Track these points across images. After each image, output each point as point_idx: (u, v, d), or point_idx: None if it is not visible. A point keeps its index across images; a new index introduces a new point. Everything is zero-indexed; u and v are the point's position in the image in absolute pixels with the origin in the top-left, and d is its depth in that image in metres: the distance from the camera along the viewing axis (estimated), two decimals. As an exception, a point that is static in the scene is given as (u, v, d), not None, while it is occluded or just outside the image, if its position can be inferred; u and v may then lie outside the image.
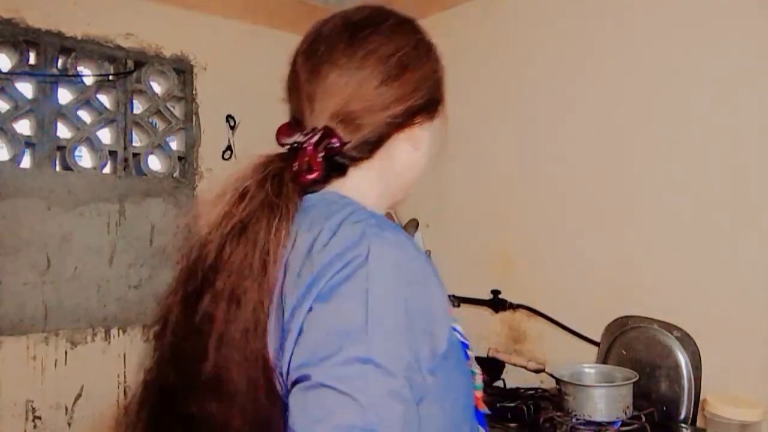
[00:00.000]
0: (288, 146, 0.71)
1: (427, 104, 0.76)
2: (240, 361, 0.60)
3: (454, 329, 0.70)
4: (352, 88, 0.71)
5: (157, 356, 0.68)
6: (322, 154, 0.69)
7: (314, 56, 0.76)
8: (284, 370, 0.60)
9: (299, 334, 0.59)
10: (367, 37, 0.74)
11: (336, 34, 0.76)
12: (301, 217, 0.67)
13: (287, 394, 0.59)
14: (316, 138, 0.69)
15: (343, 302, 0.59)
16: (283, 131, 0.72)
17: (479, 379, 0.76)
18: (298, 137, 0.70)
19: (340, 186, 0.73)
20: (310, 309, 0.59)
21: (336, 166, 0.72)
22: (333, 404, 0.54)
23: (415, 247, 0.67)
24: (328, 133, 0.70)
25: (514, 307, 2.03)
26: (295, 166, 0.68)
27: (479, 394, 0.75)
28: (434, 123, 0.79)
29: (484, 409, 0.75)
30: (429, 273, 0.66)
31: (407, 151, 0.77)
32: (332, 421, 0.53)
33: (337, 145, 0.70)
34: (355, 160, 0.73)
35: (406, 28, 0.81)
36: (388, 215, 2.39)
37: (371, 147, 0.73)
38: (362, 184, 0.74)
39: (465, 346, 0.72)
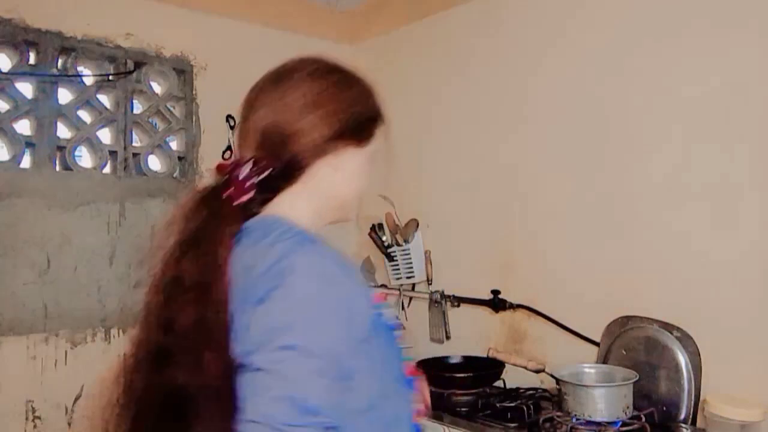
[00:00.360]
0: (224, 177, 0.84)
1: (349, 133, 0.87)
2: (204, 345, 0.76)
3: (381, 314, 0.84)
4: (274, 121, 0.85)
5: (138, 338, 0.82)
6: (252, 180, 0.82)
7: (248, 102, 0.90)
8: (235, 356, 0.75)
9: (244, 330, 0.74)
10: (290, 77, 0.90)
11: (267, 80, 0.92)
12: (244, 237, 0.82)
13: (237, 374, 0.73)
14: (244, 167, 0.83)
15: (275, 304, 0.73)
16: (219, 166, 0.86)
17: (409, 352, 0.91)
18: (231, 168, 0.84)
19: (276, 208, 0.86)
20: (251, 311, 0.74)
21: (268, 190, 0.85)
22: (269, 382, 0.70)
23: (334, 256, 0.80)
24: (255, 161, 0.83)
25: (514, 307, 2.04)
26: (230, 191, 0.82)
27: (409, 364, 0.89)
28: (366, 148, 0.91)
29: (414, 376, 0.90)
30: (346, 274, 0.79)
31: (329, 175, 0.88)
32: (269, 394, 0.69)
33: (264, 171, 0.83)
34: (284, 184, 0.86)
35: (329, 70, 0.93)
36: (388, 215, 2.40)
37: (295, 172, 0.85)
38: (294, 206, 0.86)
39: (392, 327, 0.86)
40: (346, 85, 0.92)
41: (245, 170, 0.83)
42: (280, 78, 0.91)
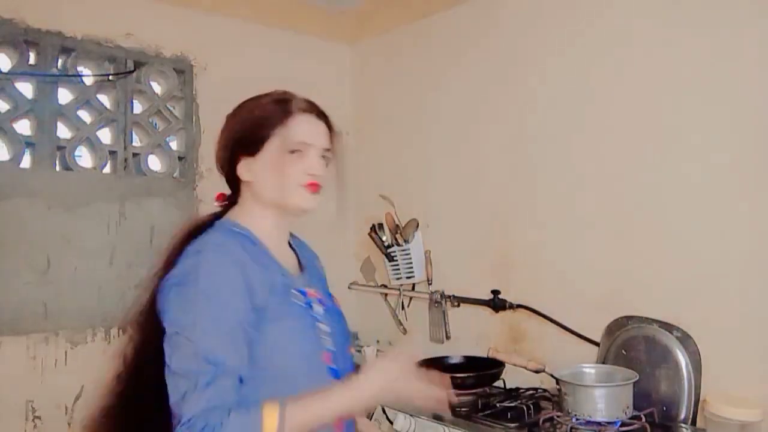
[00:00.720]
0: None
1: (237, 149, 1.12)
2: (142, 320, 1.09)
3: (309, 305, 1.09)
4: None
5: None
6: (222, 199, 1.20)
7: None
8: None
9: (164, 312, 1.01)
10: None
11: None
12: None
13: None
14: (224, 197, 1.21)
15: (185, 284, 0.99)
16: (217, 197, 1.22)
17: (328, 341, 1.09)
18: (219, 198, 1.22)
19: (229, 214, 1.16)
20: (167, 288, 1.02)
21: (233, 201, 1.17)
22: (172, 350, 0.97)
23: (239, 248, 1.04)
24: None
25: (514, 307, 2.03)
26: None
27: (327, 353, 1.08)
28: (259, 155, 1.10)
29: (330, 365, 1.08)
30: (249, 262, 1.02)
31: (247, 182, 1.13)
32: (180, 351, 0.96)
33: (226, 197, 1.19)
34: (236, 196, 1.16)
35: (243, 103, 1.19)
36: (388, 215, 2.40)
37: (233, 185, 1.16)
38: (238, 209, 1.15)
39: (315, 318, 1.09)
40: (238, 110, 1.17)
41: (224, 196, 1.19)
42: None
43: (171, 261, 1.05)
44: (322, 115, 1.19)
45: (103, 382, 1.11)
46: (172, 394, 0.95)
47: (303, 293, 1.10)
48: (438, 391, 1.06)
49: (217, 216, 1.15)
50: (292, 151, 1.10)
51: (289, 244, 1.24)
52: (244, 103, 1.17)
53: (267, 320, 1.01)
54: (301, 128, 1.12)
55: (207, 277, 0.98)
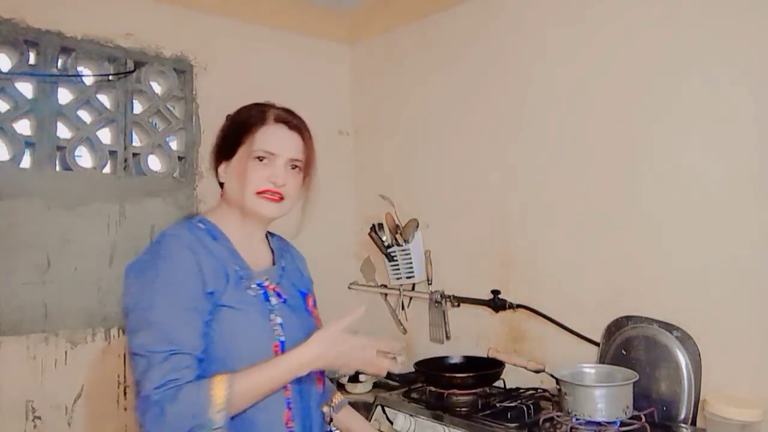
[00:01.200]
0: None
1: (218, 155, 1.24)
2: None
3: (266, 297, 1.18)
4: None
5: None
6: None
7: None
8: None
9: (124, 296, 1.10)
10: None
11: None
12: None
13: None
14: None
15: (145, 270, 1.09)
16: None
17: (279, 332, 1.16)
18: None
19: (208, 212, 1.26)
20: (129, 274, 1.11)
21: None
22: (131, 331, 1.06)
23: (192, 236, 1.13)
24: None
25: (514, 307, 2.03)
26: None
27: (277, 343, 1.15)
28: (233, 159, 1.21)
29: (278, 354, 1.13)
30: (201, 250, 1.12)
31: (221, 179, 1.24)
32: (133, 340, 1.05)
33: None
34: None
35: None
36: (388, 215, 2.40)
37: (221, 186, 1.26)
38: (218, 210, 1.25)
39: (269, 310, 1.17)
40: (223, 126, 1.26)
41: None
42: None
43: None
44: (296, 128, 1.24)
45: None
46: (133, 372, 1.04)
47: (260, 285, 1.19)
48: (375, 357, 1.17)
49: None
50: (260, 159, 1.17)
51: (269, 245, 1.34)
52: (228, 117, 1.28)
53: (218, 306, 1.10)
54: (269, 137, 1.18)
55: (164, 263, 1.08)
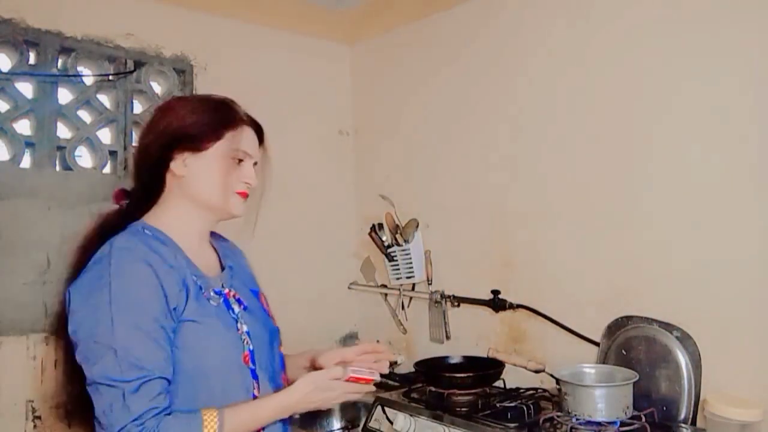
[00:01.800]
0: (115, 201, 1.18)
1: (182, 142, 1.10)
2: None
3: (227, 306, 1.11)
4: (135, 153, 1.16)
5: None
6: (123, 200, 1.16)
7: None
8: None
9: (70, 312, 1.02)
10: (147, 118, 1.21)
11: None
12: None
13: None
14: (120, 193, 1.17)
15: (95, 290, 0.98)
16: (113, 193, 1.18)
17: (247, 340, 1.11)
18: (115, 194, 1.18)
19: (145, 217, 1.13)
20: (73, 295, 1.03)
21: (142, 204, 1.14)
22: (91, 360, 0.97)
23: (146, 248, 1.03)
24: (124, 189, 1.17)
25: (514, 307, 2.03)
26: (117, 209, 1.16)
27: (247, 352, 1.10)
28: (207, 152, 1.11)
29: (248, 365, 1.10)
30: (159, 263, 1.01)
31: (177, 180, 1.12)
32: (101, 361, 0.95)
33: (131, 194, 1.16)
34: (154, 197, 1.14)
35: (167, 101, 1.19)
36: (388, 215, 2.40)
37: (153, 186, 1.13)
38: (157, 212, 1.13)
39: (235, 320, 1.11)
40: (179, 106, 1.14)
41: (121, 194, 1.16)
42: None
43: (81, 264, 1.06)
44: (259, 129, 1.24)
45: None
46: (96, 405, 0.94)
47: (219, 293, 1.12)
48: (357, 387, 1.14)
49: (126, 214, 1.13)
50: (239, 160, 1.14)
51: (211, 244, 1.25)
52: (181, 99, 1.21)
53: (182, 322, 1.02)
54: (246, 138, 1.16)
55: (118, 280, 0.97)
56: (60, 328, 1.07)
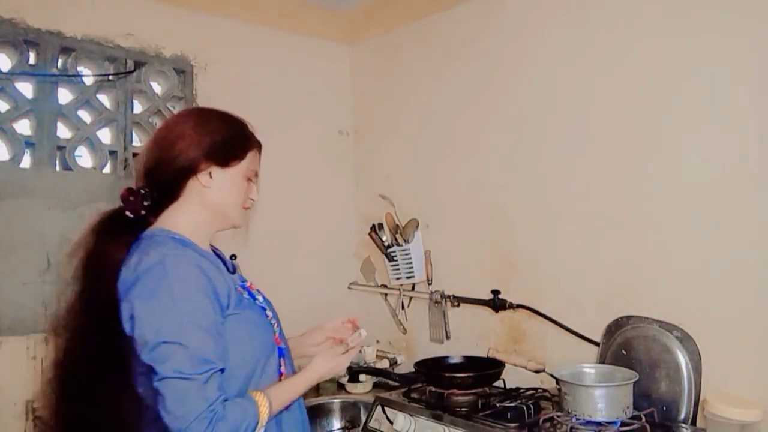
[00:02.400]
0: (122, 202, 1.18)
1: (210, 156, 1.18)
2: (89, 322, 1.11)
3: (253, 297, 1.24)
4: (156, 156, 1.18)
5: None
6: (139, 202, 1.16)
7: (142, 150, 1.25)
8: (129, 333, 1.06)
9: (130, 317, 1.06)
10: (168, 122, 1.24)
11: (154, 131, 1.24)
12: (137, 245, 1.13)
13: (131, 346, 1.06)
14: (134, 194, 1.17)
15: (151, 293, 1.05)
16: (122, 194, 1.18)
17: (275, 324, 1.26)
18: (125, 195, 1.17)
19: (161, 222, 1.18)
20: (126, 299, 1.06)
21: (155, 208, 1.18)
22: (162, 358, 1.04)
23: (195, 254, 1.12)
24: (142, 188, 1.18)
25: (514, 307, 2.03)
26: (126, 212, 1.16)
27: (276, 335, 1.24)
28: (231, 168, 1.20)
29: (281, 344, 1.25)
30: (208, 267, 1.12)
31: (200, 190, 1.19)
32: (165, 368, 1.03)
33: (148, 196, 1.17)
34: (168, 201, 1.19)
35: (197, 112, 1.26)
36: (388, 215, 2.40)
37: (173, 191, 1.18)
38: (175, 218, 1.18)
39: (263, 308, 1.24)
40: (207, 120, 1.21)
41: (137, 195, 1.16)
42: (162, 124, 1.24)
43: (86, 264, 1.12)
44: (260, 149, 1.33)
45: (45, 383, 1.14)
46: (169, 398, 1.02)
47: (243, 286, 1.25)
48: (354, 352, 1.36)
49: (134, 214, 1.17)
50: (249, 177, 1.25)
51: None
52: (206, 112, 1.25)
53: (227, 316, 1.13)
54: (258, 160, 1.28)
55: (178, 284, 1.06)
56: (68, 323, 1.15)
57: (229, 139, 1.21)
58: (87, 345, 1.09)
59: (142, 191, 1.17)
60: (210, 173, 1.18)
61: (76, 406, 1.08)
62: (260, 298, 1.28)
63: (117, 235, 1.13)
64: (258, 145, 1.27)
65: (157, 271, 1.06)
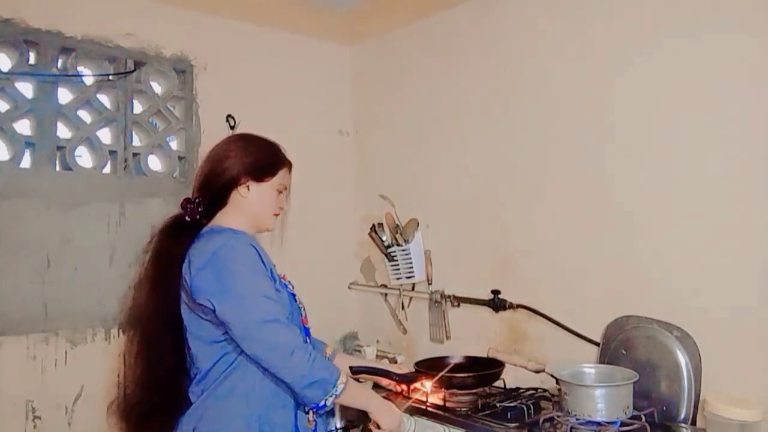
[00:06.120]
0: (182, 209, 1.48)
1: (249, 173, 1.45)
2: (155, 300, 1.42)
3: (285, 285, 1.46)
4: (209, 170, 1.48)
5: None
6: (197, 209, 1.46)
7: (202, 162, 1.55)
8: (197, 300, 1.33)
9: (198, 288, 1.32)
10: (220, 143, 1.52)
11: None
12: (198, 238, 1.40)
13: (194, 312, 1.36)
14: (191, 202, 1.47)
15: (222, 269, 1.31)
16: (182, 202, 1.48)
17: (302, 308, 1.51)
18: (184, 203, 1.48)
19: (216, 221, 1.46)
20: (197, 275, 1.32)
21: (209, 212, 1.47)
22: (240, 304, 1.32)
23: (248, 242, 1.37)
24: (197, 197, 1.48)
25: (514, 307, 2.04)
26: (186, 217, 1.46)
27: (303, 317, 1.49)
28: (264, 183, 1.47)
29: (305, 324, 1.50)
30: (255, 252, 1.36)
31: (240, 200, 1.46)
32: (244, 318, 1.31)
33: (203, 203, 1.46)
34: (218, 207, 1.47)
35: (241, 137, 1.53)
36: (388, 215, 2.40)
37: (222, 199, 1.46)
38: (224, 219, 1.46)
39: (292, 295, 1.48)
40: (249, 144, 1.50)
41: (193, 203, 1.46)
42: (215, 146, 1.52)
43: (156, 262, 1.42)
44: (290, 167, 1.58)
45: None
46: (270, 339, 1.26)
47: (279, 277, 1.46)
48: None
49: (191, 218, 1.45)
50: (279, 191, 1.51)
51: None
52: (251, 138, 1.52)
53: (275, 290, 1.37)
54: (287, 176, 1.53)
55: (241, 260, 1.32)
56: (136, 322, 1.43)
57: (264, 160, 1.48)
58: (165, 336, 1.39)
59: (196, 200, 1.45)
60: (248, 186, 1.45)
61: (163, 394, 1.37)
62: (290, 287, 1.51)
63: (179, 235, 1.42)
64: (288, 165, 1.52)
65: (220, 255, 1.32)
